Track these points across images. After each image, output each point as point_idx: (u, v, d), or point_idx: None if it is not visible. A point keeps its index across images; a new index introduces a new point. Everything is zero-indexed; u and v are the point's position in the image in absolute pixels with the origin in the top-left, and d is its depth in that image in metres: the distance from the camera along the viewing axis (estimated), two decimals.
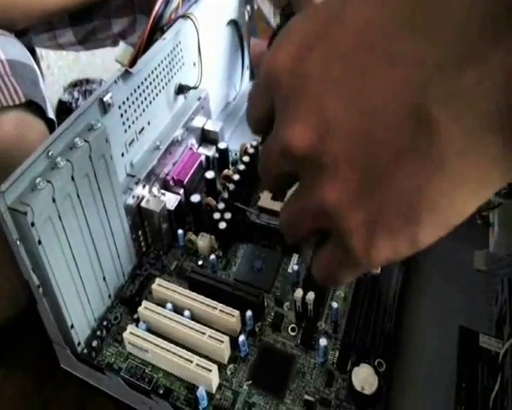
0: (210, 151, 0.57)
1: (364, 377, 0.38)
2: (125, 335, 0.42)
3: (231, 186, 0.52)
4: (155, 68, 0.49)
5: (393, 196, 0.18)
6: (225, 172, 0.56)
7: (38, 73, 0.50)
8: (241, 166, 0.54)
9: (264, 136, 0.24)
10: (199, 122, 0.57)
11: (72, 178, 0.38)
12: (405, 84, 0.17)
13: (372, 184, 0.18)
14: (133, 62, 0.46)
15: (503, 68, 0.16)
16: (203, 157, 0.56)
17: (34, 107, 0.47)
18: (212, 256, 0.48)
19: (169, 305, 0.44)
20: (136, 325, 0.43)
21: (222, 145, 0.57)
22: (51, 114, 0.50)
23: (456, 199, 0.18)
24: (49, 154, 0.36)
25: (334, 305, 0.43)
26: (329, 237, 0.20)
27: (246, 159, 0.55)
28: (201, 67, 0.55)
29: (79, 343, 0.42)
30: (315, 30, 0.19)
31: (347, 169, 0.18)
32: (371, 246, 0.19)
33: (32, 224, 0.34)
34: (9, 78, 0.45)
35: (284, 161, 0.20)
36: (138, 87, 0.47)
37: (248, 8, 0.70)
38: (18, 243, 0.35)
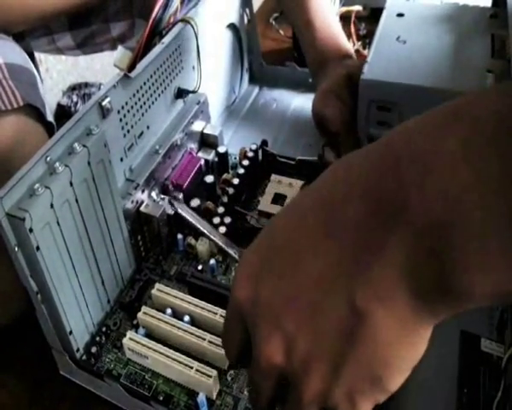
0: (209, 155, 0.57)
1: None
2: (125, 341, 0.41)
3: (231, 190, 0.52)
4: (154, 72, 0.49)
5: (356, 370, 0.22)
6: (225, 176, 0.56)
7: (37, 76, 0.50)
8: (241, 170, 0.54)
9: (245, 364, 0.27)
10: (198, 126, 0.57)
11: (71, 184, 0.38)
12: (333, 288, 0.22)
13: (336, 370, 0.22)
14: (132, 67, 0.46)
15: (400, 256, 0.20)
16: (202, 161, 0.56)
17: (33, 111, 0.47)
18: (212, 261, 0.48)
19: (169, 310, 0.43)
20: (136, 331, 0.43)
21: (221, 149, 0.57)
22: (50, 118, 0.50)
23: (400, 354, 0.22)
24: (48, 159, 0.36)
25: None
26: None
27: (245, 163, 0.55)
28: (200, 70, 0.55)
29: (78, 350, 0.42)
30: (258, 265, 0.24)
31: (316, 367, 0.23)
32: (355, 406, 0.23)
33: (31, 230, 0.34)
34: (8, 81, 0.45)
35: (270, 377, 0.24)
36: (137, 91, 0.47)
37: (247, 11, 0.70)
38: (16, 249, 0.35)
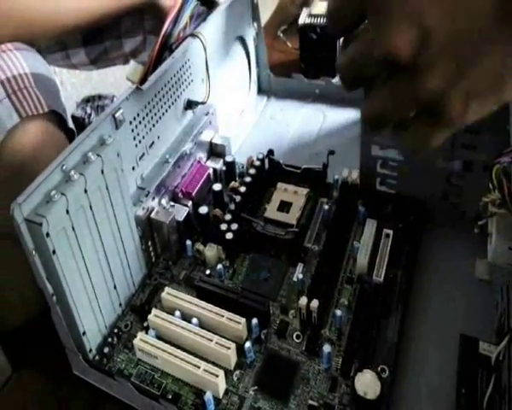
0: (217, 164, 0.59)
1: (367, 383, 0.39)
2: (136, 342, 0.43)
3: (238, 198, 0.54)
4: (165, 85, 0.51)
5: (483, 71, 0.23)
6: (232, 184, 0.57)
7: (59, 86, 0.53)
8: (248, 179, 0.56)
9: (345, 32, 0.27)
10: (207, 136, 0.59)
11: (86, 191, 0.40)
12: None
13: (466, 66, 0.23)
14: (143, 80, 0.48)
15: None
16: (211, 170, 0.57)
17: (56, 117, 0.50)
18: (220, 266, 0.49)
19: (178, 313, 0.45)
20: (146, 333, 0.44)
21: (229, 158, 0.59)
22: (71, 125, 0.52)
23: None
24: (64, 168, 0.38)
25: (338, 312, 0.44)
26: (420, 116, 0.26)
27: (252, 171, 0.57)
28: (209, 83, 0.57)
29: (91, 350, 0.44)
30: None
31: (446, 61, 0.23)
32: (466, 111, 0.24)
33: (47, 234, 0.36)
34: (34, 89, 0.47)
35: (381, 64, 0.24)
36: (148, 103, 0.49)
37: (255, 25, 0.72)
38: (33, 252, 0.37)
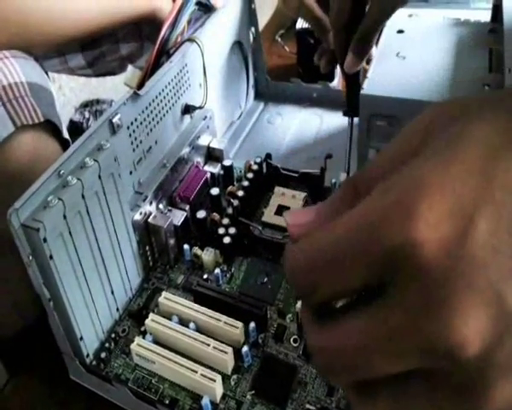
0: (215, 168, 0.59)
1: None
2: (133, 346, 0.43)
3: (236, 202, 0.54)
4: (162, 90, 0.51)
5: None
6: (230, 188, 0.57)
7: (55, 96, 0.53)
8: (246, 183, 0.56)
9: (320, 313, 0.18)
10: (204, 141, 0.59)
11: (83, 196, 0.40)
12: None
13: None
14: (141, 85, 0.48)
15: None
16: (208, 174, 0.58)
17: (50, 127, 0.50)
18: (217, 270, 0.49)
19: (175, 317, 0.45)
20: (144, 337, 0.44)
21: (227, 162, 0.59)
22: (66, 135, 0.53)
23: None
24: (61, 173, 0.38)
25: None
26: None
27: (250, 175, 0.57)
28: (207, 87, 0.57)
29: (88, 355, 0.44)
30: (471, 188, 0.15)
31: None
32: None
33: (44, 240, 0.36)
34: (29, 98, 0.47)
35: (419, 361, 0.16)
36: (146, 108, 0.49)
37: (253, 29, 0.73)
38: (30, 258, 0.37)
